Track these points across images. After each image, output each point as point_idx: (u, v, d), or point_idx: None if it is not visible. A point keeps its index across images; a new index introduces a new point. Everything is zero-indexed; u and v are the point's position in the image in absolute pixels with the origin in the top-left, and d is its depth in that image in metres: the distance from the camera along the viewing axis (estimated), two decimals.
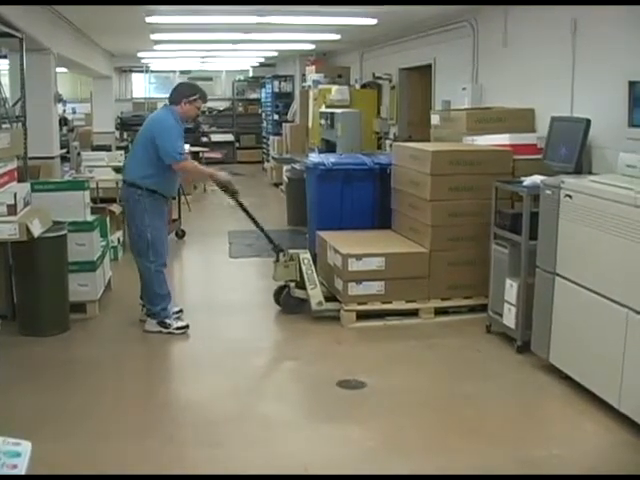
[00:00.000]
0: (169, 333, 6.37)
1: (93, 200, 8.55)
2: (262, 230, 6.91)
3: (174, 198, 6.70)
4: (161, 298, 6.47)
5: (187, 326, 6.46)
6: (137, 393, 5.23)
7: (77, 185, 7.12)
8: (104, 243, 7.52)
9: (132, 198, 6.35)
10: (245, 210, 6.75)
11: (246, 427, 4.65)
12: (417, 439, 4.51)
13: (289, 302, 6.87)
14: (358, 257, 6.61)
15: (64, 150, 10.70)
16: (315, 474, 4.10)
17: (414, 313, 6.74)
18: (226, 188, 6.63)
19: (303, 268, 6.74)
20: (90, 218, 7.03)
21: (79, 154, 10.49)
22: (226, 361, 5.84)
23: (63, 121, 13.04)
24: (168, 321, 6.42)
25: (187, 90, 6.60)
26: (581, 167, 6.05)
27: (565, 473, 4.09)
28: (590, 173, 5.96)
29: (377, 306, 6.69)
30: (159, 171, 6.29)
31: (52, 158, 9.36)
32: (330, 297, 6.84)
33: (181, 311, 6.76)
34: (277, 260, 6.83)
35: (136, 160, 6.43)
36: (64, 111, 15.76)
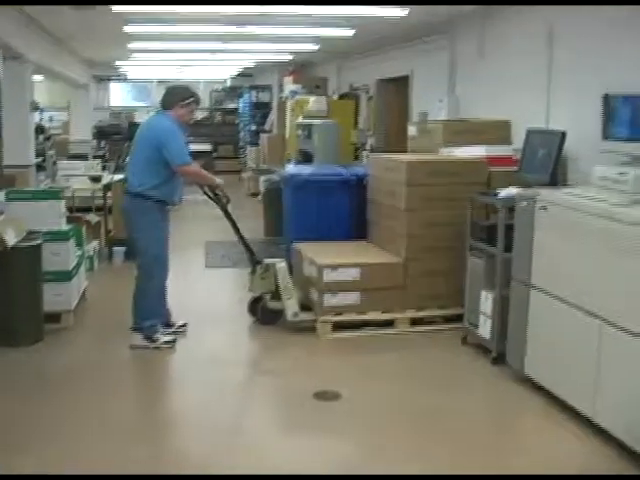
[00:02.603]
0: (156, 348, 6.24)
1: (69, 209, 8.51)
2: (244, 242, 6.89)
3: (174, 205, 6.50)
4: (154, 314, 6.32)
5: (174, 340, 6.35)
6: (111, 405, 5.17)
7: (52, 194, 7.06)
8: (80, 253, 7.47)
9: (138, 210, 6.15)
10: (232, 220, 6.73)
11: (223, 439, 4.64)
12: (393, 451, 4.50)
13: (265, 314, 6.84)
14: (333, 267, 6.61)
15: (40, 159, 10.65)
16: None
17: (390, 323, 6.74)
18: (218, 197, 6.56)
19: (279, 278, 6.72)
20: (65, 228, 6.97)
21: (55, 163, 10.46)
22: (202, 373, 5.81)
23: (40, 129, 12.97)
24: (156, 336, 6.29)
25: (180, 93, 6.38)
26: (556, 179, 6.09)
27: None
28: (565, 185, 6.00)
29: (353, 317, 6.68)
30: (166, 179, 6.14)
31: (28, 167, 9.32)
32: (306, 307, 6.83)
33: (185, 325, 6.65)
34: (253, 272, 6.81)
35: (140, 170, 6.17)
36: (41, 119, 15.69)
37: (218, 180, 6.61)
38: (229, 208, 6.69)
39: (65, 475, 4.12)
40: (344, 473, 4.21)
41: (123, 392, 5.49)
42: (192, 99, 6.37)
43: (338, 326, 6.63)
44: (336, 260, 6.71)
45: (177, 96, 6.34)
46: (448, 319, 6.81)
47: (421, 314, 6.82)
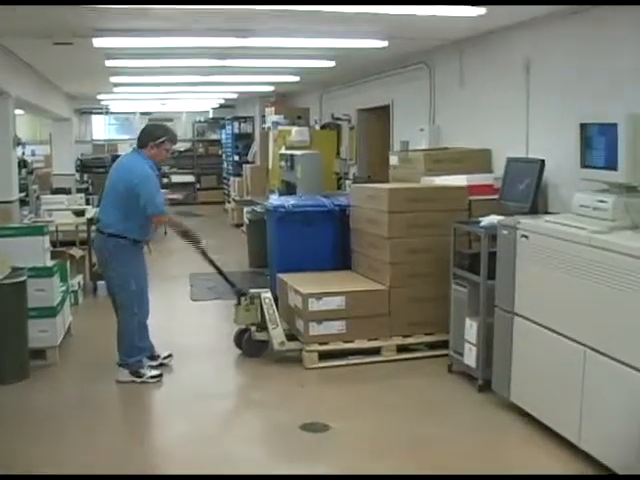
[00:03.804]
0: (143, 382, 6.24)
1: (53, 244, 8.49)
2: (224, 276, 6.90)
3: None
4: (139, 351, 6.34)
5: (161, 375, 6.35)
6: (98, 441, 5.16)
7: (36, 230, 7.08)
8: (64, 288, 7.47)
9: (114, 249, 6.16)
10: (207, 257, 6.70)
11: (210, 471, 4.62)
12: None
13: (250, 346, 6.85)
14: (318, 297, 6.63)
15: (23, 194, 10.63)
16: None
17: (376, 351, 6.75)
18: (189, 237, 6.49)
19: (264, 307, 6.73)
20: (50, 263, 6.97)
21: (38, 197, 10.44)
22: (189, 407, 5.80)
23: (22, 163, 12.96)
24: (142, 370, 6.29)
25: (153, 133, 6.39)
26: (537, 207, 6.16)
27: None
28: (546, 212, 6.06)
29: (339, 346, 6.68)
30: (141, 219, 6.18)
31: (11, 202, 9.30)
32: (292, 338, 6.83)
33: (170, 355, 6.70)
34: (238, 303, 6.82)
35: (114, 210, 6.17)
36: (23, 153, 15.68)
37: (185, 225, 6.57)
38: (204, 244, 6.66)
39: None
40: None
41: (110, 428, 5.47)
42: (164, 138, 6.35)
43: (324, 355, 6.64)
44: (321, 289, 6.73)
45: (150, 136, 6.37)
46: (434, 345, 6.82)
47: (407, 341, 6.84)
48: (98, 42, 7.36)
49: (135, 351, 6.30)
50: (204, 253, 6.65)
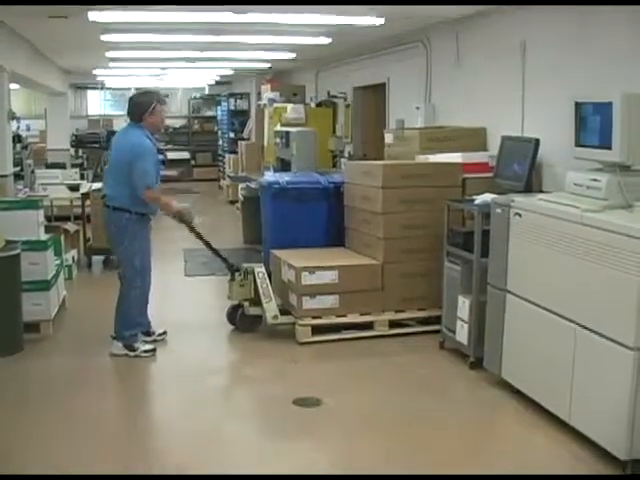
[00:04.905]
0: (136, 356, 6.26)
1: (47, 218, 8.49)
2: (217, 254, 6.92)
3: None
4: (135, 325, 6.37)
5: (154, 349, 6.38)
6: (91, 415, 5.17)
7: (31, 204, 7.09)
8: (58, 262, 7.48)
9: (119, 223, 6.19)
10: (200, 237, 6.72)
11: (204, 446, 4.65)
12: (372, 456, 4.55)
13: (244, 321, 6.88)
14: (311, 270, 6.65)
15: (18, 168, 10.61)
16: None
17: (369, 326, 6.79)
18: (181, 218, 6.47)
19: (258, 282, 6.77)
20: (44, 237, 6.99)
21: (33, 172, 10.43)
22: (182, 381, 5.83)
23: (17, 138, 12.92)
24: (136, 344, 6.32)
25: (142, 104, 6.30)
26: (531, 185, 6.18)
27: None
28: (541, 191, 6.07)
29: (332, 320, 6.72)
30: None
31: (5, 176, 9.28)
32: (285, 313, 6.86)
33: (165, 333, 6.73)
34: (232, 279, 6.84)
35: (118, 184, 6.18)
36: (18, 128, 15.61)
37: (176, 207, 6.46)
38: (196, 222, 6.64)
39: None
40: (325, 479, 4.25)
41: (103, 401, 5.49)
42: (154, 104, 6.31)
43: (317, 329, 6.66)
44: (314, 263, 6.75)
45: (141, 108, 6.29)
46: (426, 320, 6.86)
47: (399, 316, 6.87)
48: (93, 15, 7.31)
49: (132, 324, 6.33)
50: (197, 233, 6.67)
